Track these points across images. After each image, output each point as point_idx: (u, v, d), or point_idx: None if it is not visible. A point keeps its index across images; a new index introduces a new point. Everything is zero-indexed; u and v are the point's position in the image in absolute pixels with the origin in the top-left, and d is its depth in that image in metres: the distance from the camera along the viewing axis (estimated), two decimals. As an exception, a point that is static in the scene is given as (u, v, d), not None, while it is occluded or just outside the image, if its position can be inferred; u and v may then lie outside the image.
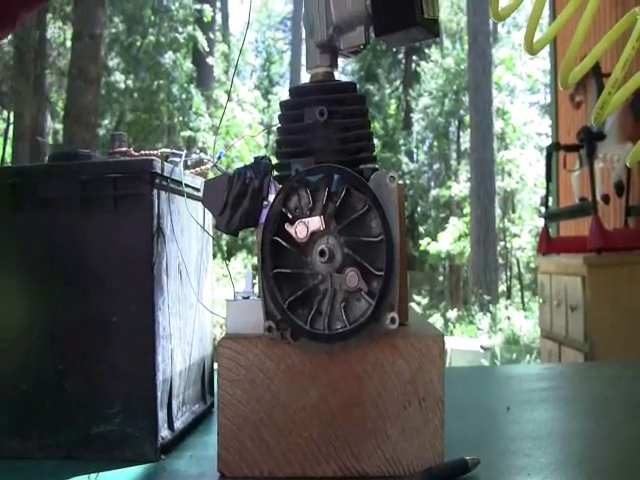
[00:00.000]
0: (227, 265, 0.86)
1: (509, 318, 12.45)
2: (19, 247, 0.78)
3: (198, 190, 0.92)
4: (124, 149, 0.79)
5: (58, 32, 15.01)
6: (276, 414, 0.71)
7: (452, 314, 13.20)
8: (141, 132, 13.13)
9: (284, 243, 0.66)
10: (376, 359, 0.70)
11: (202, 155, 0.81)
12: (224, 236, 0.72)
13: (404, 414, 0.70)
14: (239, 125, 14.07)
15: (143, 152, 0.80)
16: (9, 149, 12.72)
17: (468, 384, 1.15)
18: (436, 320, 12.94)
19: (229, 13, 19.35)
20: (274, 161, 0.74)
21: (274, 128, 0.75)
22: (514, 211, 16.90)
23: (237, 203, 0.69)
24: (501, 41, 17.69)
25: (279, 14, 21.76)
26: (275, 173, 0.72)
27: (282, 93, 18.56)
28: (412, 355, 0.70)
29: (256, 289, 0.78)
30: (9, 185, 0.78)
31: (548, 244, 4.04)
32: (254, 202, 0.68)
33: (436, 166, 18.69)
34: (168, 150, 0.80)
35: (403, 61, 18.65)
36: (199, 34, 12.95)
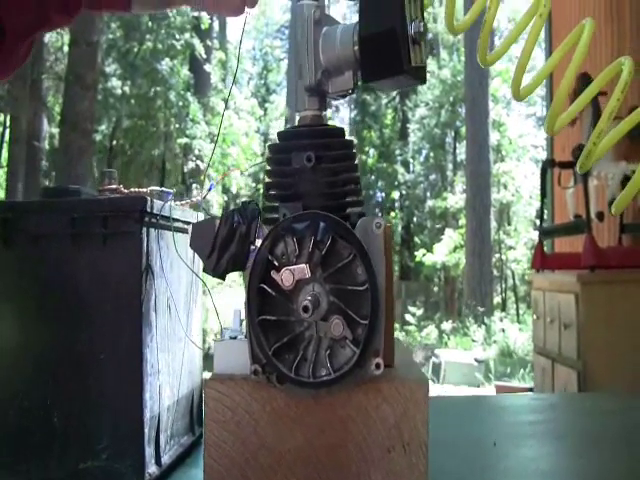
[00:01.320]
0: (212, 299, 0.86)
1: (504, 330, 12.45)
2: (9, 282, 0.79)
3: (188, 223, 0.92)
4: (114, 186, 0.80)
5: (56, 37, 15.01)
6: (262, 456, 0.72)
7: (447, 325, 13.19)
8: (137, 138, 13.13)
9: (270, 290, 0.67)
10: (360, 403, 0.71)
11: (194, 199, 0.82)
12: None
13: (388, 458, 0.70)
14: (235, 133, 14.08)
15: (133, 189, 0.80)
16: (5, 153, 12.71)
17: (456, 415, 1.15)
18: (430, 332, 12.93)
19: (226, 20, 19.37)
20: (264, 196, 0.74)
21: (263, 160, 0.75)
22: (509, 223, 16.92)
23: (224, 247, 0.69)
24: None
25: (277, 22, 21.80)
26: (263, 215, 0.72)
27: (279, 101, 18.57)
28: (397, 400, 0.70)
29: (244, 326, 0.78)
30: (0, 220, 0.78)
31: (542, 260, 4.05)
32: (241, 246, 0.69)
33: (432, 177, 18.71)
34: (157, 188, 0.80)
35: None
36: (196, 41, 12.96)
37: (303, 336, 0.68)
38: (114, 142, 13.47)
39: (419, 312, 13.78)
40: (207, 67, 13.51)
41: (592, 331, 3.23)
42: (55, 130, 12.55)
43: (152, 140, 13.52)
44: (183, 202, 0.92)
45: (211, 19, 13.60)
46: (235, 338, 0.77)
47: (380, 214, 19.55)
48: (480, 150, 14.54)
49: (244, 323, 0.76)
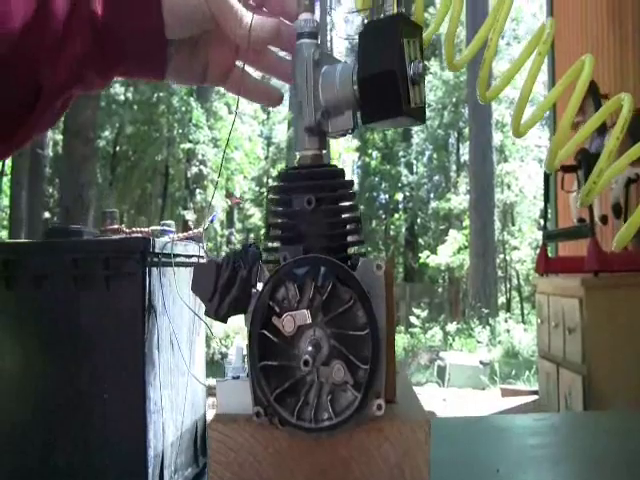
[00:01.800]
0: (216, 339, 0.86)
1: (508, 331, 12.46)
2: (12, 323, 0.79)
3: (190, 257, 0.92)
4: (115, 226, 0.80)
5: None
6: (264, 497, 0.72)
7: (451, 327, 13.20)
8: (140, 144, 13.16)
9: (271, 336, 0.67)
10: (362, 443, 0.71)
11: (192, 232, 0.82)
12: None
13: (391, 498, 0.70)
14: (239, 138, 14.11)
15: (134, 229, 0.80)
16: (9, 161, 12.75)
17: (457, 438, 1.15)
18: (435, 333, 12.94)
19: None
20: (266, 236, 0.74)
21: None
22: (513, 224, 16.92)
23: (226, 290, 0.69)
24: (501, 53, 17.75)
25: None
26: (264, 256, 0.73)
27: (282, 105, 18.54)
28: (398, 439, 0.71)
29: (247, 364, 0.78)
30: (2, 261, 0.78)
31: (546, 264, 4.05)
32: (243, 290, 0.69)
33: (436, 178, 18.72)
34: (159, 227, 0.81)
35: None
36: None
37: (304, 381, 0.68)
38: (117, 148, 13.51)
39: (423, 314, 13.79)
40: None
41: (596, 336, 3.23)
42: (59, 137, 12.58)
43: (155, 145, 13.55)
44: (185, 234, 0.92)
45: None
46: (238, 377, 0.77)
47: (384, 219, 19.53)
48: (483, 151, 14.55)
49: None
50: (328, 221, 0.71)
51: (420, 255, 17.31)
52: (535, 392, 5.59)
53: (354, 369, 0.66)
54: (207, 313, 0.71)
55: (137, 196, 15.69)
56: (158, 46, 0.75)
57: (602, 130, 3.73)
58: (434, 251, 16.57)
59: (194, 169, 13.29)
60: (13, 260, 0.77)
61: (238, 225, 21.49)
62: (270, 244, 0.74)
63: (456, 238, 16.07)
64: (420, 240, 18.95)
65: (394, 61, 0.69)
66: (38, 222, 13.42)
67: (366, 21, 0.73)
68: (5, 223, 17.07)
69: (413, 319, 13.63)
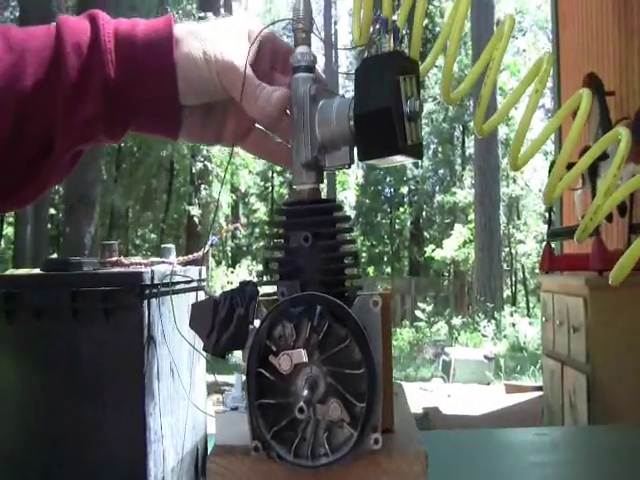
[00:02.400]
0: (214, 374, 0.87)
1: (514, 325, 12.46)
2: (13, 355, 0.80)
3: (191, 281, 0.93)
4: (115, 258, 0.80)
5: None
6: (263, 529, 0.72)
7: (457, 321, 13.20)
8: (145, 140, 13.15)
9: (268, 374, 0.68)
10: (360, 477, 0.71)
11: (192, 256, 0.82)
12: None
13: (388, 531, 0.71)
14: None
15: (133, 261, 0.81)
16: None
17: (458, 455, 1.16)
18: (440, 327, 12.94)
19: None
20: (263, 268, 0.75)
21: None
22: (519, 217, 16.89)
23: (223, 327, 0.70)
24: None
25: (283, 18, 21.69)
26: (262, 290, 0.73)
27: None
28: (396, 473, 0.71)
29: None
30: (2, 295, 0.79)
31: (551, 262, 4.04)
32: (240, 327, 0.70)
33: (441, 172, 18.70)
34: (158, 259, 0.81)
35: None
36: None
37: (301, 418, 0.68)
38: (122, 144, 13.52)
39: (429, 308, 13.80)
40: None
41: (601, 335, 3.23)
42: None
43: (160, 141, 13.55)
44: (185, 259, 0.92)
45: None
46: (236, 409, 0.77)
47: (390, 211, 19.50)
48: (488, 144, 14.52)
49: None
50: (325, 256, 0.72)
51: (425, 249, 17.32)
52: (539, 388, 5.60)
53: (351, 407, 0.67)
54: (205, 349, 0.72)
55: (142, 192, 15.71)
56: (171, 111, 0.75)
57: (607, 128, 3.73)
58: (439, 245, 16.56)
59: (199, 165, 13.30)
60: (13, 293, 0.78)
61: (243, 220, 21.52)
62: (267, 277, 0.74)
63: (461, 232, 16.06)
64: (425, 233, 18.94)
65: (390, 98, 0.69)
66: (43, 224, 13.47)
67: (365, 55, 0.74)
68: (11, 220, 17.12)
69: (418, 313, 13.63)
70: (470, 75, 0.74)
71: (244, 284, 0.71)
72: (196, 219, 13.29)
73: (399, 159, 0.71)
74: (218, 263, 13.77)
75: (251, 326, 0.70)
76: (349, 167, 0.75)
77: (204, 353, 0.71)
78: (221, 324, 0.70)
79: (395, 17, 0.77)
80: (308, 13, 0.78)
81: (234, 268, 14.76)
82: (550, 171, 4.10)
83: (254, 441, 0.70)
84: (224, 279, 13.97)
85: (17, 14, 13.72)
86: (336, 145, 0.74)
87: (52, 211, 14.97)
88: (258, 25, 0.78)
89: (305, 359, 0.66)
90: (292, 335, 0.67)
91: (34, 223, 13.18)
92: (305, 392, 0.65)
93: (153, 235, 18.60)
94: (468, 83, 0.74)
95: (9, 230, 17.51)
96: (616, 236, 4.34)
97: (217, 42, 0.74)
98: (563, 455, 1.19)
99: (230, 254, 17.79)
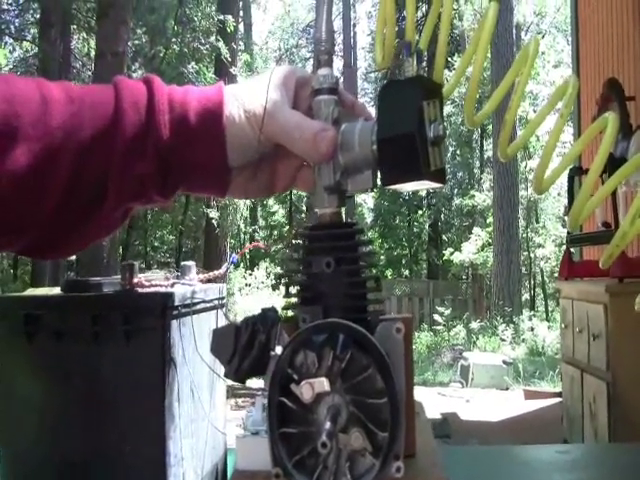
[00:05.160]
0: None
1: (532, 329, 12.39)
2: (32, 377, 0.80)
3: (211, 301, 0.92)
4: (135, 280, 0.80)
5: (82, 43, 15.15)
6: None
7: (475, 325, 13.14)
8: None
9: (289, 403, 0.67)
10: (382, 505, 0.71)
11: (213, 273, 0.82)
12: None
13: None
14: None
15: (154, 282, 0.80)
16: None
17: (480, 474, 1.15)
18: (459, 331, 12.88)
19: (252, 22, 19.45)
20: (285, 293, 0.74)
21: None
22: (538, 221, 16.80)
23: (245, 353, 0.69)
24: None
25: (302, 21, 21.83)
26: (283, 315, 0.73)
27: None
28: (418, 501, 0.71)
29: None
30: (22, 316, 0.79)
31: (570, 268, 4.01)
32: (261, 353, 0.69)
33: (459, 175, 18.64)
34: (179, 281, 0.81)
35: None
36: (222, 44, 12.98)
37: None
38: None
39: (447, 312, 13.74)
40: (233, 70, 13.52)
41: (621, 343, 3.19)
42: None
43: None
44: (206, 276, 0.92)
45: (236, 21, 13.63)
46: (257, 433, 0.77)
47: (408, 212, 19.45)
48: (507, 147, 14.42)
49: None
50: (347, 281, 0.71)
51: (444, 252, 17.26)
52: (558, 394, 5.56)
53: (373, 436, 0.66)
54: (226, 375, 0.71)
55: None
56: (220, 174, 0.77)
57: (627, 133, 3.69)
58: (458, 248, 16.51)
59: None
60: (34, 315, 0.78)
61: (261, 222, 21.55)
62: (288, 301, 0.74)
63: (480, 235, 16.00)
64: (444, 237, 18.90)
65: (414, 124, 0.68)
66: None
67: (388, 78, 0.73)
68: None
69: (437, 317, 13.59)
70: (493, 98, 0.73)
71: (266, 310, 0.71)
72: (214, 221, 13.31)
73: (422, 185, 0.70)
74: (237, 266, 13.76)
75: (272, 352, 0.70)
76: (372, 191, 0.74)
77: (225, 379, 0.71)
78: (242, 350, 0.70)
79: (417, 37, 0.76)
80: (330, 34, 0.77)
81: (252, 271, 14.77)
82: (569, 180, 4.07)
83: (275, 468, 0.70)
84: (242, 281, 13.98)
85: (37, 16, 13.78)
86: (359, 169, 0.73)
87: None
88: (292, 71, 0.78)
89: (327, 388, 0.66)
90: (314, 363, 0.67)
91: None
92: (327, 424, 0.64)
93: (172, 237, 18.66)
94: (491, 106, 0.73)
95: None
96: (636, 242, 4.30)
97: (253, 96, 0.74)
98: (585, 474, 1.17)
99: (248, 256, 17.82)
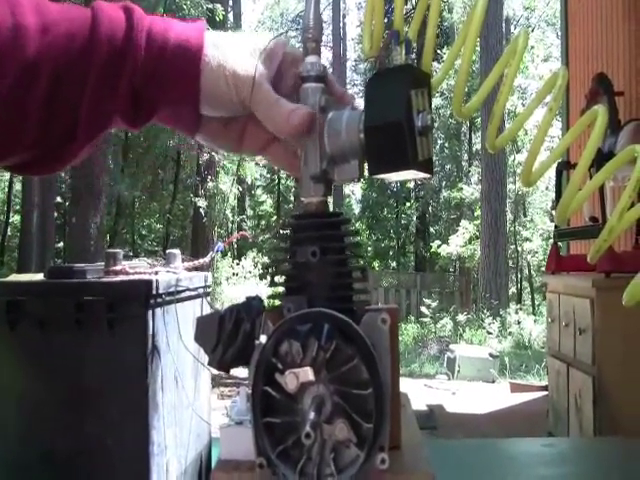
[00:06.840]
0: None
1: (519, 322, 12.44)
2: (15, 366, 0.79)
3: (196, 289, 0.92)
4: (119, 267, 0.79)
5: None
6: None
7: (462, 317, 13.18)
8: (152, 130, 13.14)
9: (274, 393, 0.66)
10: (366, 496, 0.70)
11: (198, 262, 0.81)
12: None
13: None
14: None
15: (138, 269, 0.80)
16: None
17: (466, 467, 1.15)
18: (446, 324, 12.92)
19: (242, 11, 19.39)
20: (270, 282, 0.74)
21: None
22: (525, 214, 16.85)
23: (229, 342, 0.69)
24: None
25: (292, 11, 21.78)
26: (268, 304, 0.72)
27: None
28: (402, 493, 0.70)
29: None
30: (5, 303, 0.78)
31: (557, 262, 4.02)
32: (246, 342, 0.68)
33: (447, 167, 18.66)
34: (163, 269, 0.80)
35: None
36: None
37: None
38: (129, 134, 13.52)
39: (434, 304, 13.77)
40: (222, 59, 13.41)
41: (607, 337, 3.20)
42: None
43: (167, 131, 13.54)
44: (191, 264, 0.91)
45: (225, 10, 13.58)
46: (241, 423, 0.76)
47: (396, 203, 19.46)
48: (496, 141, 14.44)
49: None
50: (333, 271, 0.71)
51: (431, 244, 17.29)
52: (544, 387, 5.58)
53: (358, 427, 0.66)
54: (210, 364, 0.71)
55: (149, 182, 15.71)
56: (191, 116, 0.77)
57: (615, 129, 3.70)
58: (445, 241, 16.54)
59: (205, 156, 13.28)
60: (16, 301, 0.77)
61: (249, 211, 21.52)
62: (274, 291, 0.73)
63: (467, 228, 16.04)
64: (431, 229, 18.92)
65: (402, 112, 0.67)
66: (50, 212, 13.48)
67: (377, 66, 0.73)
68: (18, 207, 17.15)
69: (423, 309, 13.62)
70: (481, 90, 0.73)
71: (250, 299, 0.70)
72: (202, 210, 13.28)
73: (410, 174, 0.70)
74: (224, 255, 13.75)
75: (257, 341, 0.69)
76: (358, 181, 0.74)
77: (209, 367, 0.70)
78: (227, 339, 0.69)
79: (406, 28, 0.75)
80: (318, 22, 0.76)
81: (239, 260, 14.75)
82: (557, 174, 4.08)
83: (259, 458, 0.69)
84: (229, 271, 13.96)
85: None
86: (345, 158, 0.73)
87: (59, 199, 14.99)
88: (281, 44, 0.78)
89: (312, 378, 0.65)
90: (299, 353, 0.66)
91: (40, 211, 13.20)
92: (312, 415, 0.64)
93: (159, 225, 18.61)
94: (479, 98, 0.73)
95: (16, 218, 17.54)
96: (623, 237, 4.31)
97: (237, 55, 0.74)
98: (570, 467, 1.18)
99: (236, 246, 17.80)
